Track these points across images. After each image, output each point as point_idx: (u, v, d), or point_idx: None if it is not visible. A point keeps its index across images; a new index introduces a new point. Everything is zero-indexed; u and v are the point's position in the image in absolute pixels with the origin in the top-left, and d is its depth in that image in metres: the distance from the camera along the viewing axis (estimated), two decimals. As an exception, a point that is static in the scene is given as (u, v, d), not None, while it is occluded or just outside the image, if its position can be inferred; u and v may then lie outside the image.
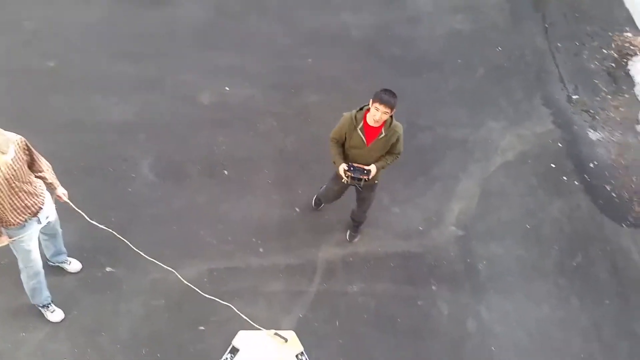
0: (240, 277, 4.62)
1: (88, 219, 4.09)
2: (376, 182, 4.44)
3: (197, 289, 4.15)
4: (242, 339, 4.10)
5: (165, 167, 5.24)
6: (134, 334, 4.27)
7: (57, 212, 4.11)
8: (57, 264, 4.48)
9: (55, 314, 4.26)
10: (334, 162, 4.30)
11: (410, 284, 4.69)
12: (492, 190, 5.40)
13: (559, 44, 6.94)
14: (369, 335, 4.39)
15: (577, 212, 5.31)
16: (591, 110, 6.26)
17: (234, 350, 4.04)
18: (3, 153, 3.30)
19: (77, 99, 5.66)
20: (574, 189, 5.48)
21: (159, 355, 4.19)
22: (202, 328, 4.33)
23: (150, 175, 5.17)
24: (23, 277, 4.06)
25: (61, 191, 3.98)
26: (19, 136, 3.59)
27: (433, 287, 4.69)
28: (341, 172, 4.23)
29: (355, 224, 4.90)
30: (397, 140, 4.16)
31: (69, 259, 4.51)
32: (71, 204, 4.01)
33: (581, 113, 6.22)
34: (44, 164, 3.83)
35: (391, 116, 4.07)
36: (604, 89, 6.52)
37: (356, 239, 4.95)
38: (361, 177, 4.20)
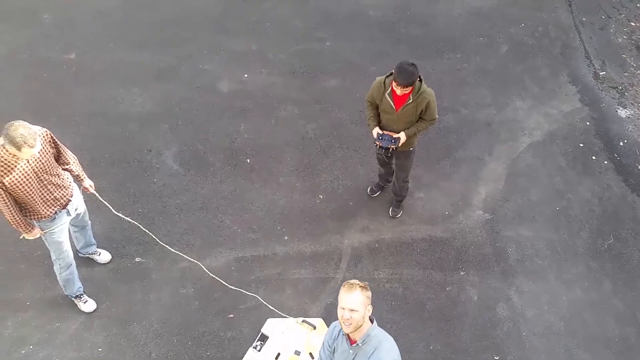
0: (266, 265, 4.63)
1: (114, 212, 4.14)
2: (411, 148, 4.42)
3: (222, 281, 4.22)
4: (271, 326, 4.14)
5: (189, 157, 5.24)
6: (165, 323, 4.32)
7: (85, 203, 4.15)
8: (87, 255, 4.54)
9: (88, 305, 4.33)
10: (369, 125, 4.35)
11: (438, 270, 4.65)
12: (519, 171, 5.29)
13: (583, 18, 6.73)
14: (397, 321, 4.37)
15: (608, 192, 5.19)
16: (619, 87, 6.08)
17: (264, 338, 4.08)
18: (31, 146, 3.33)
19: (99, 91, 5.69)
20: (603, 169, 5.35)
21: (189, 343, 4.23)
22: (231, 316, 4.36)
23: (174, 165, 5.18)
24: (56, 268, 4.13)
25: (88, 183, 4.04)
26: (44, 129, 3.63)
27: (461, 272, 4.64)
28: (374, 136, 4.28)
29: (397, 198, 4.88)
30: (427, 106, 4.11)
31: (99, 250, 4.56)
32: (98, 195, 4.06)
33: (609, 90, 6.04)
34: (70, 156, 3.87)
35: (420, 80, 4.03)
36: (633, 63, 6.32)
37: (399, 215, 4.92)
38: (389, 146, 4.23)
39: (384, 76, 4.16)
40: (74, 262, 4.16)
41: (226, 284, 4.22)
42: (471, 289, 4.54)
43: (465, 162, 5.35)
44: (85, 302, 4.32)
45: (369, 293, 2.84)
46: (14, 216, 3.62)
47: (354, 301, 2.77)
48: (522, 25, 6.55)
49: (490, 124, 5.65)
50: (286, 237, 4.80)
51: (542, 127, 5.63)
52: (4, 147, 3.39)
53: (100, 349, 4.17)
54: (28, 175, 3.52)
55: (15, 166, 3.45)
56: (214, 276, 4.21)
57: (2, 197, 3.52)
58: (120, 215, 4.20)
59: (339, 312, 2.83)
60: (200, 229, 4.80)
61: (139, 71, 5.87)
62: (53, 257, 4.07)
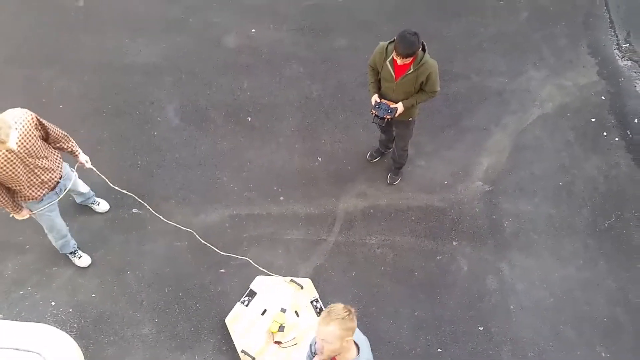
0: (260, 224, 4.67)
1: (110, 184, 4.19)
2: (410, 119, 4.33)
3: (214, 248, 4.31)
4: (259, 283, 4.23)
5: (190, 111, 5.23)
6: (157, 273, 4.43)
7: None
8: (86, 204, 4.63)
9: (82, 260, 4.40)
10: (369, 91, 4.25)
11: (430, 238, 4.63)
12: (525, 144, 5.16)
13: (613, -17, 6.35)
14: (385, 286, 4.40)
15: (615, 170, 5.03)
16: (642, 60, 5.79)
17: (252, 294, 4.17)
18: (2, 142, 3.20)
19: (106, 39, 5.65)
20: (614, 146, 5.17)
21: (180, 294, 4.35)
22: (222, 271, 4.45)
23: (175, 119, 5.18)
24: (50, 237, 4.20)
25: (83, 158, 3.94)
26: (29, 113, 3.47)
27: (454, 243, 4.61)
28: (372, 103, 4.20)
29: (396, 166, 4.84)
30: (428, 78, 3.97)
31: (98, 199, 4.64)
32: (95, 170, 4.05)
33: (631, 63, 5.76)
34: (60, 135, 3.73)
35: (423, 50, 3.90)
36: (661, 36, 5.98)
37: (397, 182, 4.89)
38: (384, 116, 4.14)
39: (387, 42, 4.00)
40: (68, 233, 4.20)
41: (217, 250, 4.29)
42: (462, 260, 4.53)
43: (470, 132, 5.22)
44: (79, 258, 4.40)
45: (351, 324, 2.64)
46: (1, 197, 3.60)
47: (327, 334, 2.64)
48: (546, -11, 6.23)
49: (501, 93, 5.47)
50: (282, 198, 4.81)
51: (554, 99, 5.43)
52: None
53: (93, 295, 4.32)
54: (11, 160, 3.42)
55: None
56: (206, 243, 4.30)
57: None
58: (116, 188, 4.26)
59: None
60: (197, 185, 4.84)
61: (147, 21, 5.79)
62: (46, 231, 4.10)
